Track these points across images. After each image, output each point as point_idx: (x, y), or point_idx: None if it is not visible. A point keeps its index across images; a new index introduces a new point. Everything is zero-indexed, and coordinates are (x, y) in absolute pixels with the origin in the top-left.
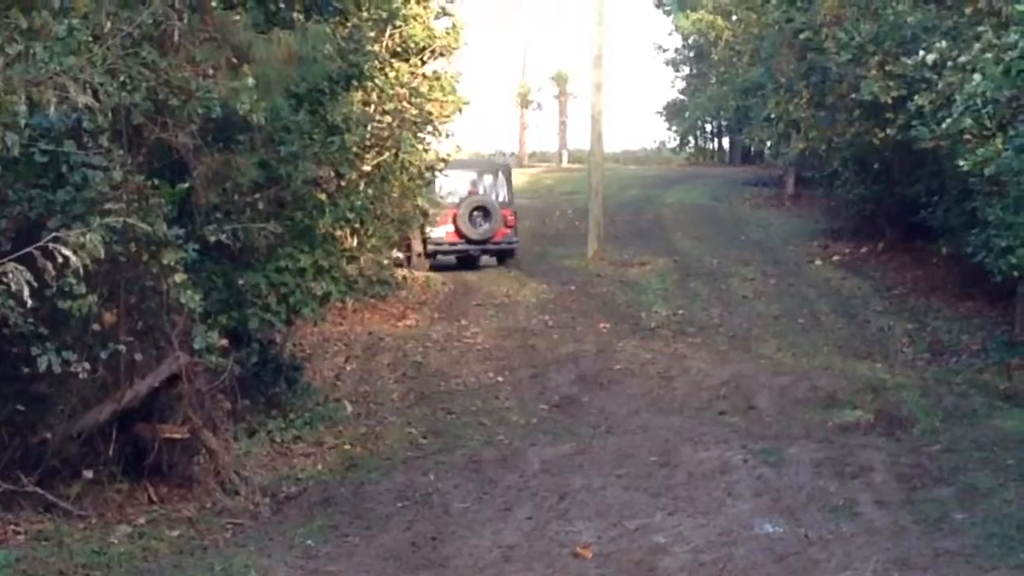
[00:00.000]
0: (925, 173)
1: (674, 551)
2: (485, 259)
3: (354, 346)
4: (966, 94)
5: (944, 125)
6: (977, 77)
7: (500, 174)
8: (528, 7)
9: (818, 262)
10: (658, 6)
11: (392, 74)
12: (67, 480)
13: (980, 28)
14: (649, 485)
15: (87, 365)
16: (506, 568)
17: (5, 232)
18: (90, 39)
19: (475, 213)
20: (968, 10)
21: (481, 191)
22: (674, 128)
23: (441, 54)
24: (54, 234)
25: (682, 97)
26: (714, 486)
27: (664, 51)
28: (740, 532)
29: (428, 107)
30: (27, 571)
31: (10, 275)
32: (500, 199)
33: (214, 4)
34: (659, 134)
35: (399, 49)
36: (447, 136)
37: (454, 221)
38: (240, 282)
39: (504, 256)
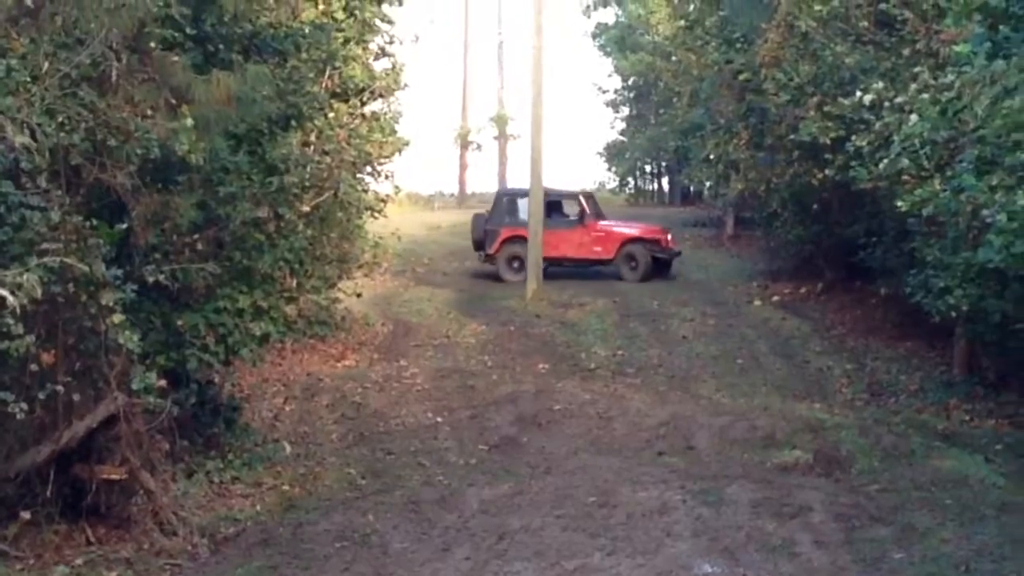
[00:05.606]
0: (864, 214)
1: None
2: None
3: (293, 387)
4: (904, 135)
5: (882, 166)
6: (914, 118)
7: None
8: (468, 48)
9: (757, 302)
10: (598, 47)
11: (331, 115)
12: (4, 521)
13: (917, 69)
14: (588, 525)
15: (24, 405)
16: None
17: None
18: (28, 79)
19: None
20: (906, 51)
21: None
22: (614, 169)
23: (380, 95)
24: None
25: (622, 138)
26: (653, 526)
27: (604, 92)
28: (679, 572)
29: (367, 148)
30: None
31: None
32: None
33: (153, 45)
34: (599, 175)
35: (338, 90)
36: (386, 177)
37: None
38: (179, 323)
39: None
